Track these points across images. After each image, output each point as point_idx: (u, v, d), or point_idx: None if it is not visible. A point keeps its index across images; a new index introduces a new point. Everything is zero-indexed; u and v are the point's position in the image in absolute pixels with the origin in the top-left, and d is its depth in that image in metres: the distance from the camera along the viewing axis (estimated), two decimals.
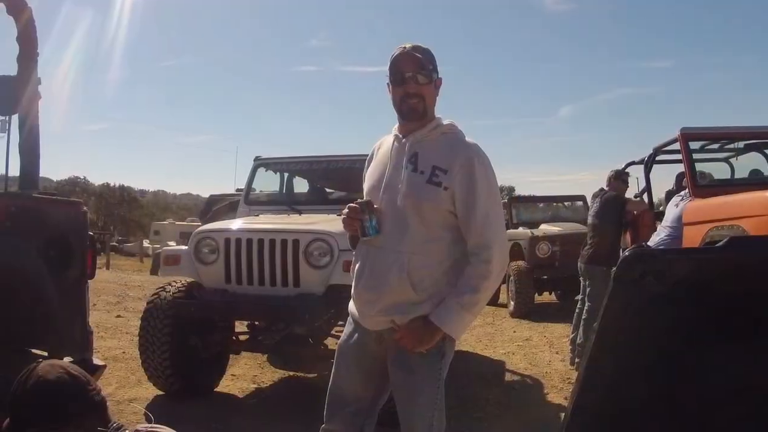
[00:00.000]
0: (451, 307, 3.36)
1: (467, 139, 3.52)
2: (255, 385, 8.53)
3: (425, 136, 3.53)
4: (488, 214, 3.40)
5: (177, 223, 63.17)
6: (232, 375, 8.73)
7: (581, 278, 9.84)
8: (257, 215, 8.45)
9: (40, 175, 5.83)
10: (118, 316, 13.54)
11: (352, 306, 3.72)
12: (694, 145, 9.21)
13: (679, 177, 9.96)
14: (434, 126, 3.54)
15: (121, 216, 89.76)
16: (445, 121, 3.58)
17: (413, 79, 3.47)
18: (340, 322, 6.80)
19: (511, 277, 15.08)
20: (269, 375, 9.08)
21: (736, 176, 10.04)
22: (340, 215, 3.86)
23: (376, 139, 3.93)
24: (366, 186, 3.73)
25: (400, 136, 3.61)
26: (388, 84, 3.58)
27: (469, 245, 3.42)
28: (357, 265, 3.64)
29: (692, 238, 8.01)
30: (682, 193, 9.04)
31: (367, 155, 3.91)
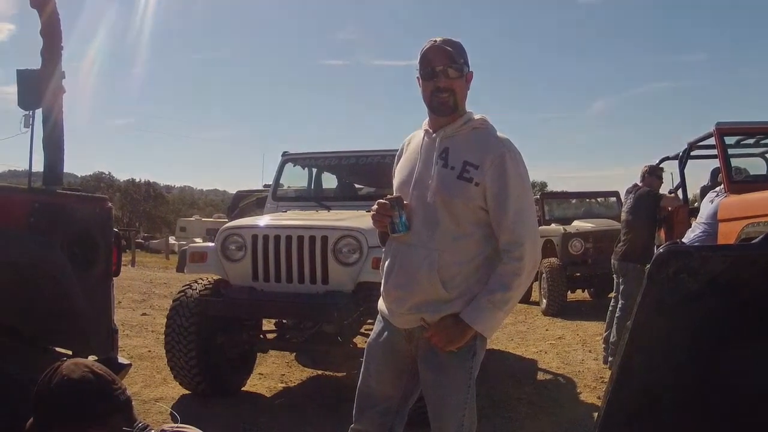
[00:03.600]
0: (482, 305, 3.36)
1: (499, 134, 3.51)
2: (283, 384, 8.55)
3: (456, 131, 3.52)
4: (520, 211, 3.38)
5: (203, 219, 63.58)
6: (259, 374, 8.76)
7: (615, 275, 9.80)
8: (285, 211, 8.47)
9: (65, 170, 5.86)
10: (144, 314, 13.62)
11: (381, 304, 3.72)
12: (730, 140, 9.14)
13: (715, 172, 9.86)
14: (465, 121, 3.53)
15: (146, 212, 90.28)
16: (476, 116, 3.56)
17: (444, 73, 3.46)
18: (370, 320, 6.79)
19: (544, 275, 15.03)
20: (297, 374, 9.10)
21: None
22: (369, 211, 3.86)
23: (406, 133, 3.93)
24: (396, 182, 3.73)
25: (431, 131, 3.61)
26: (417, 78, 3.57)
27: (500, 242, 3.41)
28: (386, 263, 3.64)
29: (727, 234, 7.95)
30: (717, 189, 8.95)
31: (397, 150, 3.92)
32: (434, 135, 3.57)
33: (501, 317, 3.46)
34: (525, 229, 3.39)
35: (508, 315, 3.65)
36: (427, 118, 3.66)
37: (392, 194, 3.62)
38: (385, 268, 3.64)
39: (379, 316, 3.79)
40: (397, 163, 3.84)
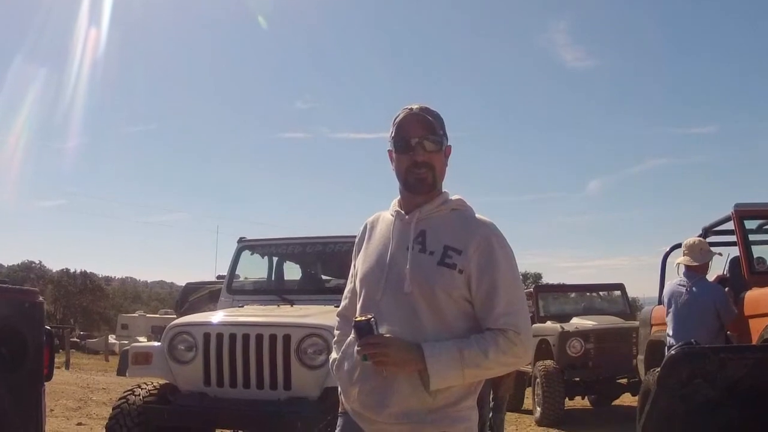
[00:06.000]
0: (450, 349, 3.20)
1: (479, 216, 3.47)
2: None
3: (433, 211, 3.45)
4: (513, 301, 3.29)
5: (148, 315, 63.13)
6: None
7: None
8: (242, 306, 8.42)
9: None
10: (80, 424, 13.43)
11: (346, 403, 3.61)
12: (750, 224, 9.08)
13: (734, 262, 9.71)
14: (443, 201, 3.47)
15: (83, 307, 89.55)
16: (453, 196, 3.52)
17: (421, 146, 3.38)
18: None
19: (538, 380, 14.78)
20: None
21: None
22: (337, 307, 3.80)
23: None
24: (361, 270, 3.59)
25: (403, 212, 3.50)
26: (389, 151, 3.50)
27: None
28: (346, 363, 3.54)
29: (748, 332, 7.89)
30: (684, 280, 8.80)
31: None
32: (407, 216, 3.47)
33: (457, 376, 3.23)
34: (519, 319, 3.28)
35: (464, 384, 3.46)
36: (397, 198, 3.59)
37: (357, 283, 3.56)
38: (345, 372, 3.53)
39: (341, 418, 3.68)
40: (358, 249, 3.72)
